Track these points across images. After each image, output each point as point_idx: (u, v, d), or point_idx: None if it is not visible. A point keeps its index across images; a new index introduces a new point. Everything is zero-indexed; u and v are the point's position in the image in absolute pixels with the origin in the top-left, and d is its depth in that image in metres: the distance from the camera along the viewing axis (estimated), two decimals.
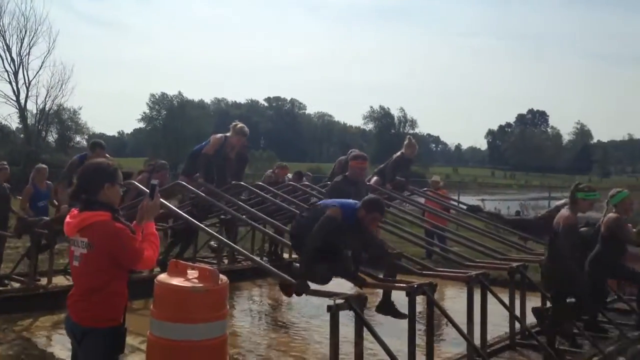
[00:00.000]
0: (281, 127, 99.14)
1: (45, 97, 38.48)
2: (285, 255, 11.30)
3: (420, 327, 5.36)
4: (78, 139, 56.98)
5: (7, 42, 37.33)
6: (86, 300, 3.06)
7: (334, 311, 4.12)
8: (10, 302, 7.44)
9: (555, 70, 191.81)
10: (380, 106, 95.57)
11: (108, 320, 3.07)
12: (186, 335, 3.76)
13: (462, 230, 9.21)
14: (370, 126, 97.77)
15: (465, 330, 5.11)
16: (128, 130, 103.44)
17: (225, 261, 10.44)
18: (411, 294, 4.77)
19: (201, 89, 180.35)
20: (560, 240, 5.59)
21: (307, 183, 9.91)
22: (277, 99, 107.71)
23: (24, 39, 37.61)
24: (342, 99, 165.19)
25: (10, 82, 37.37)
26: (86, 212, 3.07)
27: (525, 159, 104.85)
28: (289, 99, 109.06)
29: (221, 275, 3.99)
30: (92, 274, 3.07)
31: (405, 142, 9.70)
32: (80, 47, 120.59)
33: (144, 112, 76.17)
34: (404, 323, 4.64)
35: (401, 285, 4.91)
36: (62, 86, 38.37)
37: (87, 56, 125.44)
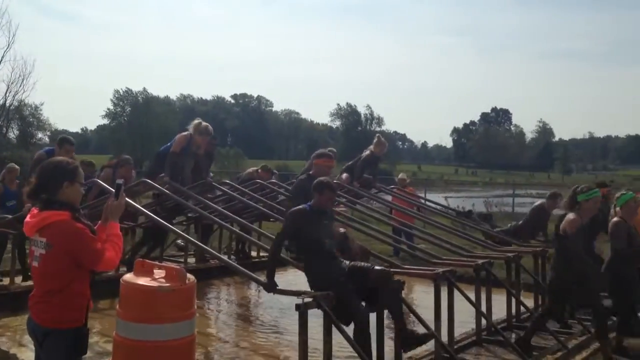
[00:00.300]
0: (248, 124, 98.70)
1: (6, 93, 37.56)
2: (253, 254, 11.27)
3: (389, 325, 5.37)
4: (40, 135, 55.83)
5: None
6: (47, 302, 2.99)
7: (302, 310, 4.11)
8: None
9: (517, 68, 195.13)
10: (347, 103, 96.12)
11: (69, 322, 3.00)
12: (152, 335, 3.71)
13: (429, 228, 9.29)
14: (337, 123, 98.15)
15: (432, 327, 5.16)
16: (92, 126, 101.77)
17: (193, 260, 10.32)
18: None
19: (167, 85, 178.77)
20: (572, 244, 5.51)
21: (274, 181, 9.87)
22: (244, 95, 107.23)
23: None
24: (310, 96, 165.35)
25: None
26: (45, 212, 2.99)
27: (489, 156, 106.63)
28: (255, 95, 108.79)
29: (189, 275, 3.95)
30: (51, 275, 2.99)
31: (375, 141, 9.74)
32: (42, 41, 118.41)
33: (108, 109, 75.06)
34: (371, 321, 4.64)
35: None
36: (23, 81, 37.46)
37: (49, 51, 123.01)
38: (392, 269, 5.72)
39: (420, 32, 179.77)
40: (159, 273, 3.88)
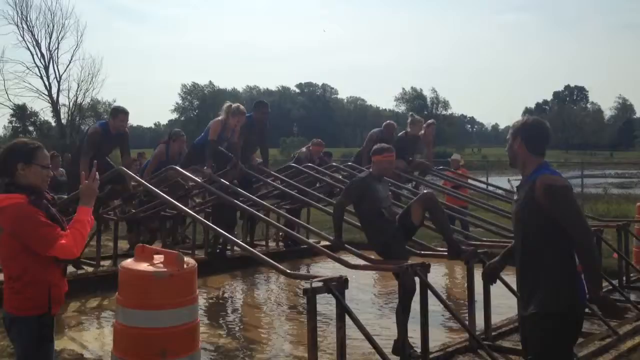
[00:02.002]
0: (313, 113, 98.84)
1: (77, 91, 39.08)
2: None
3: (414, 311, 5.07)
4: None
5: (36, 37, 38.00)
6: (10, 288, 2.93)
7: (310, 295, 3.90)
8: None
9: (592, 43, 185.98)
10: (412, 88, 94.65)
11: (32, 309, 2.91)
12: (152, 322, 3.60)
13: (480, 212, 8.89)
14: (402, 108, 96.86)
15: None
16: (164, 121, 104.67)
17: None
18: (402, 275, 4.52)
19: (233, 78, 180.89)
20: None
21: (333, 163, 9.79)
22: (309, 84, 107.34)
23: (52, 33, 38.23)
24: (375, 82, 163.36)
25: (41, 77, 38.12)
26: (1, 195, 2.91)
27: (565, 136, 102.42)
28: (320, 84, 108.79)
29: (189, 260, 3.82)
30: (7, 261, 2.93)
31: (409, 120, 9.50)
32: (110, 40, 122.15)
33: (177, 103, 76.98)
34: (378, 303, 4.36)
35: (389, 266, 4.65)
36: (92, 79, 38.90)
37: (118, 49, 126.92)
38: (422, 251, 5.48)
39: (485, 10, 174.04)
40: (158, 258, 3.78)
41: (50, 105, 38.75)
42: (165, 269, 3.64)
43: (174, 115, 79.94)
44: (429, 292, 4.63)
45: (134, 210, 8.64)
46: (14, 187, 2.90)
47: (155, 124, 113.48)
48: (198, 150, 7.86)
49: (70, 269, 7.73)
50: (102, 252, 8.43)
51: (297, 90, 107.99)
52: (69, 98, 39.27)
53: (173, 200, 5.46)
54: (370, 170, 5.42)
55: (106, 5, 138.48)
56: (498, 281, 5.35)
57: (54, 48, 38.44)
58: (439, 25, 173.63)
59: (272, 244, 10.90)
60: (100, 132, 7.44)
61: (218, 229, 5.03)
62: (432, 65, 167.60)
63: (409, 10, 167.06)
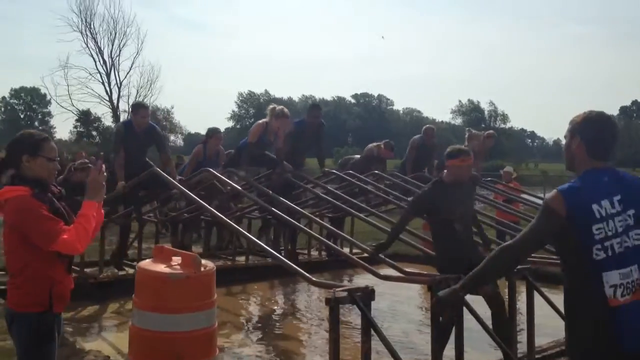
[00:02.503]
0: (369, 124, 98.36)
1: (136, 97, 40.11)
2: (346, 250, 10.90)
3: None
4: (172, 137, 59.40)
5: (99, 44, 39.26)
6: (12, 283, 2.85)
7: (332, 305, 3.68)
8: None
9: None
10: (468, 100, 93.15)
11: (32, 305, 2.81)
12: (167, 326, 3.50)
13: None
14: (458, 121, 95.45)
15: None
16: (221, 128, 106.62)
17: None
18: (434, 288, 4.24)
19: (289, 87, 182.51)
20: None
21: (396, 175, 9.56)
22: (365, 95, 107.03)
23: (114, 41, 39.43)
24: (431, 93, 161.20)
25: (103, 83, 39.34)
26: (5, 187, 2.83)
27: (632, 152, 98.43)
28: (376, 94, 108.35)
29: (207, 263, 3.70)
30: (9, 255, 2.84)
31: (467, 135, 9.32)
32: (169, 48, 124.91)
33: (233, 111, 78.13)
34: (416, 318, 4.11)
35: (421, 278, 4.39)
36: (150, 86, 39.88)
37: (177, 57, 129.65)
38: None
39: (547, 22, 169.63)
40: (176, 260, 3.67)
41: (110, 110, 39.95)
42: (182, 271, 3.53)
43: (230, 123, 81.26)
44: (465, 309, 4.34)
45: (173, 213, 8.63)
46: (18, 180, 2.83)
47: None
48: (241, 152, 7.78)
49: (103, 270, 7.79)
50: (145, 254, 8.44)
51: (353, 101, 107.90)
52: (128, 104, 40.34)
53: (205, 204, 5.35)
54: (442, 176, 4.90)
55: (168, 15, 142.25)
56: (543, 300, 5.05)
57: (115, 55, 39.71)
58: (499, 37, 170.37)
59: (315, 253, 10.72)
60: (123, 130, 7.40)
61: (247, 234, 4.88)
62: (490, 77, 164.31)
63: (468, 21, 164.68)
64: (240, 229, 5.14)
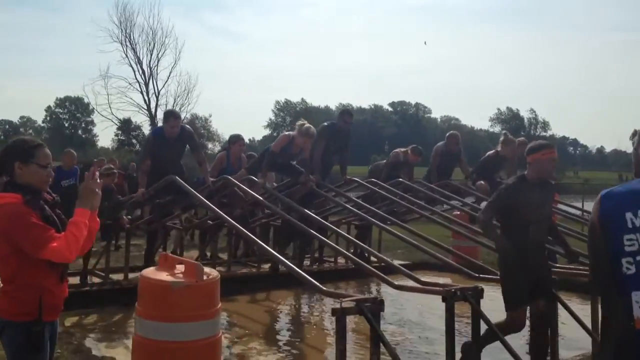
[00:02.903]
0: (405, 132, 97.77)
1: (173, 106, 40.61)
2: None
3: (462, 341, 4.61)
4: (210, 145, 60.06)
5: (138, 54, 39.94)
6: (3, 291, 2.80)
7: (339, 315, 3.57)
8: (86, 296, 7.50)
9: None
10: (507, 108, 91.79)
11: (21, 314, 2.76)
12: (168, 335, 3.43)
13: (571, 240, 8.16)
14: (497, 128, 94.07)
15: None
16: (258, 137, 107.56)
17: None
18: (448, 299, 4.10)
19: (325, 95, 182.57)
20: None
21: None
22: (402, 103, 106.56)
23: (152, 51, 40.04)
24: (469, 101, 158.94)
25: (141, 92, 39.94)
26: None
27: None
28: (413, 103, 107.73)
29: (210, 271, 3.63)
30: (0, 262, 2.79)
31: (501, 139, 8.87)
32: (207, 57, 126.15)
33: (270, 119, 78.62)
34: (430, 333, 3.97)
35: (435, 288, 4.24)
36: (187, 94, 40.32)
37: (213, 66, 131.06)
38: (484, 275, 5.01)
39: (589, 28, 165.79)
40: (179, 268, 3.61)
41: (148, 119, 40.53)
42: (183, 280, 3.46)
43: (267, 131, 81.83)
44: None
45: (196, 220, 8.63)
46: (10, 186, 2.79)
47: (249, 140, 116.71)
48: (264, 158, 7.77)
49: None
50: None
51: (390, 109, 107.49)
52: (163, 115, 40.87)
53: (220, 212, 5.30)
54: (524, 173, 4.59)
55: (207, 25, 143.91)
56: (567, 313, 4.84)
57: (154, 65, 40.26)
58: (540, 45, 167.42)
59: (342, 261, 10.59)
60: (152, 139, 7.46)
61: (261, 242, 4.81)
62: (531, 85, 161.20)
63: (506, 29, 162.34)
64: (253, 237, 5.07)
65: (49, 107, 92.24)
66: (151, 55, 40.04)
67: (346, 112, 8.77)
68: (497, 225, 4.73)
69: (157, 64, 40.29)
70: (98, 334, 6.37)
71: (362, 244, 6.49)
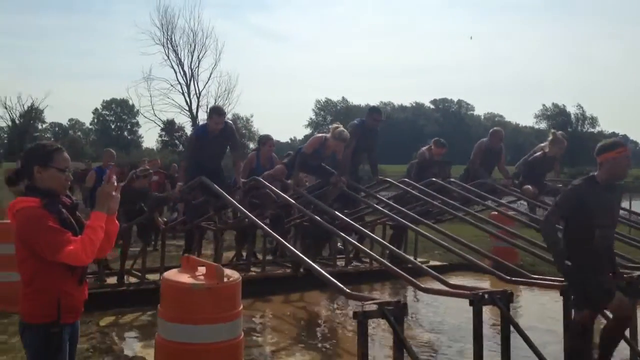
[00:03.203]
0: (448, 130, 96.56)
1: None
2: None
3: (492, 347, 4.50)
4: (251, 145, 60.62)
5: (180, 56, 40.65)
6: (23, 294, 2.84)
7: (361, 319, 3.52)
8: (122, 296, 7.63)
9: None
10: (553, 104, 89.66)
11: (39, 317, 2.80)
12: (188, 337, 3.44)
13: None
14: (542, 125, 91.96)
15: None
16: (299, 136, 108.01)
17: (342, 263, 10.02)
18: (476, 303, 4.00)
19: (366, 94, 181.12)
20: None
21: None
22: (444, 100, 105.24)
23: (193, 52, 40.71)
24: (513, 98, 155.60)
25: (183, 94, 40.65)
26: (17, 198, 2.84)
27: None
28: (456, 100, 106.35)
29: (232, 273, 3.62)
30: (20, 264, 2.84)
31: (550, 139, 8.54)
32: (249, 57, 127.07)
33: (311, 118, 78.81)
34: (458, 338, 3.88)
35: (462, 292, 4.13)
36: (228, 95, 40.83)
37: (254, 66, 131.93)
38: (516, 279, 4.87)
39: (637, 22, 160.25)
40: (201, 270, 3.61)
41: (190, 120, 41.19)
42: (204, 282, 3.47)
43: (308, 130, 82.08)
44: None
45: (229, 221, 8.67)
46: (30, 190, 2.84)
47: (291, 139, 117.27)
48: (295, 159, 7.74)
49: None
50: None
51: (432, 107, 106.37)
52: (206, 113, 41.39)
53: (247, 212, 5.31)
54: (595, 174, 4.33)
55: (249, 26, 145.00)
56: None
57: (195, 66, 40.94)
58: (587, 38, 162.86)
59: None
60: (195, 137, 7.42)
61: (284, 242, 4.79)
62: (578, 80, 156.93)
63: (552, 22, 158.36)
64: (279, 238, 5.05)
65: (95, 109, 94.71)
66: (192, 56, 40.80)
67: (375, 110, 8.65)
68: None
69: (198, 65, 41.04)
70: (133, 333, 6.47)
71: (388, 244, 6.37)
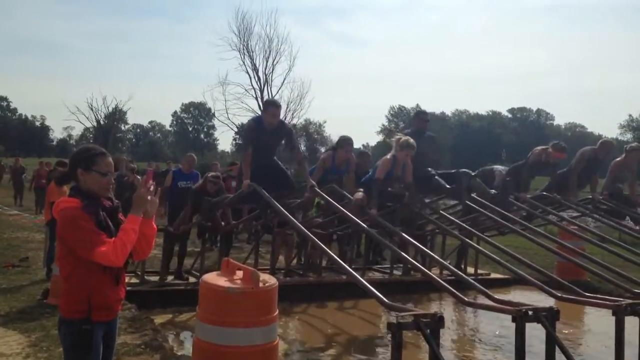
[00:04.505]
0: (525, 139, 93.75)
1: (286, 111, 41.62)
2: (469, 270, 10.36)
3: None
4: (322, 149, 61.06)
5: (255, 62, 41.44)
6: (62, 289, 2.99)
7: (395, 330, 3.49)
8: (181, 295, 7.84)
9: None
10: None
11: (73, 312, 2.92)
12: (223, 339, 3.52)
13: None
14: (627, 136, 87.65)
15: None
16: (372, 142, 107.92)
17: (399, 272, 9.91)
18: (518, 320, 3.87)
19: (441, 101, 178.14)
20: None
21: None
22: (522, 109, 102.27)
23: (268, 58, 41.39)
24: (597, 107, 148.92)
25: (256, 98, 41.34)
26: (61, 198, 2.98)
27: None
28: (535, 109, 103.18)
29: (268, 278, 3.67)
30: (60, 261, 2.98)
31: (626, 147, 8.28)
32: (322, 63, 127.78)
33: (383, 125, 78.48)
34: (496, 351, 3.78)
35: (506, 307, 4.01)
36: (300, 100, 41.20)
37: (329, 71, 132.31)
38: (566, 296, 4.70)
39: None
40: (239, 274, 3.68)
41: None
42: (239, 286, 3.53)
43: (380, 137, 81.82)
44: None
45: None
46: (74, 192, 2.99)
47: (363, 145, 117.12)
48: (370, 190, 7.16)
49: None
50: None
51: (509, 115, 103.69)
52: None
53: (293, 219, 5.35)
54: None
55: (326, 32, 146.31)
56: None
57: (269, 72, 41.60)
58: None
59: (436, 272, 10.34)
60: (253, 126, 7.19)
61: (328, 251, 4.79)
62: None
63: (636, 27, 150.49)
64: (324, 247, 5.09)
65: (175, 112, 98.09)
66: (267, 62, 41.42)
67: (421, 112, 8.53)
68: None
69: (272, 71, 41.61)
70: (186, 333, 6.65)
71: (431, 253, 6.19)
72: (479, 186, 7.80)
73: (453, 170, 7.91)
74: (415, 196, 7.08)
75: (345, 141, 8.32)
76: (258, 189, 6.20)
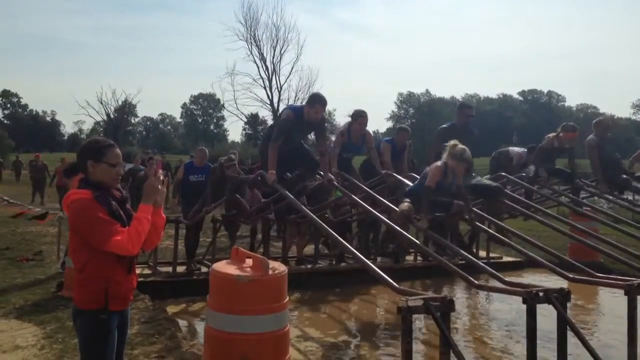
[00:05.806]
0: (536, 121, 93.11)
1: (294, 100, 41.66)
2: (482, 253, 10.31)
3: (545, 346, 4.32)
4: (333, 138, 61.03)
5: (262, 51, 41.42)
6: (75, 280, 3.01)
7: (405, 314, 3.48)
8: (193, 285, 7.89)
9: None
10: None
11: (89, 302, 2.95)
12: (234, 327, 3.53)
13: None
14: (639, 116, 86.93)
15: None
16: (382, 129, 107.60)
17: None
18: (529, 301, 3.86)
19: (451, 86, 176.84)
20: None
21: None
22: (533, 92, 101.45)
23: (275, 47, 41.37)
24: (609, 88, 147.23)
25: (264, 88, 41.39)
26: (72, 190, 3.00)
27: None
28: (545, 91, 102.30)
29: (278, 266, 3.68)
30: (73, 253, 3.00)
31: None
32: (330, 51, 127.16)
33: (393, 111, 78.20)
34: (508, 334, 3.77)
35: (516, 289, 4.00)
36: (308, 88, 41.20)
37: (337, 59, 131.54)
38: (577, 277, 4.67)
39: None
40: (248, 262, 3.70)
41: (271, 113, 41.90)
42: (249, 274, 3.55)
43: (390, 123, 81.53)
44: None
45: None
46: (84, 183, 3.02)
47: (373, 132, 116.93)
48: (413, 198, 6.48)
49: None
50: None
51: (520, 98, 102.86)
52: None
53: (306, 210, 5.35)
54: None
55: (334, 20, 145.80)
56: None
57: (276, 61, 41.59)
58: None
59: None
60: (293, 119, 6.82)
61: (341, 240, 4.80)
62: None
63: None
64: (335, 235, 5.11)
65: (184, 103, 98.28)
66: (274, 51, 41.41)
67: (465, 105, 8.20)
68: None
69: (280, 60, 41.59)
70: (198, 322, 6.70)
71: (440, 238, 6.00)
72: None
73: (494, 185, 7.45)
74: (465, 206, 6.60)
75: (359, 114, 7.99)
76: (279, 189, 6.21)
